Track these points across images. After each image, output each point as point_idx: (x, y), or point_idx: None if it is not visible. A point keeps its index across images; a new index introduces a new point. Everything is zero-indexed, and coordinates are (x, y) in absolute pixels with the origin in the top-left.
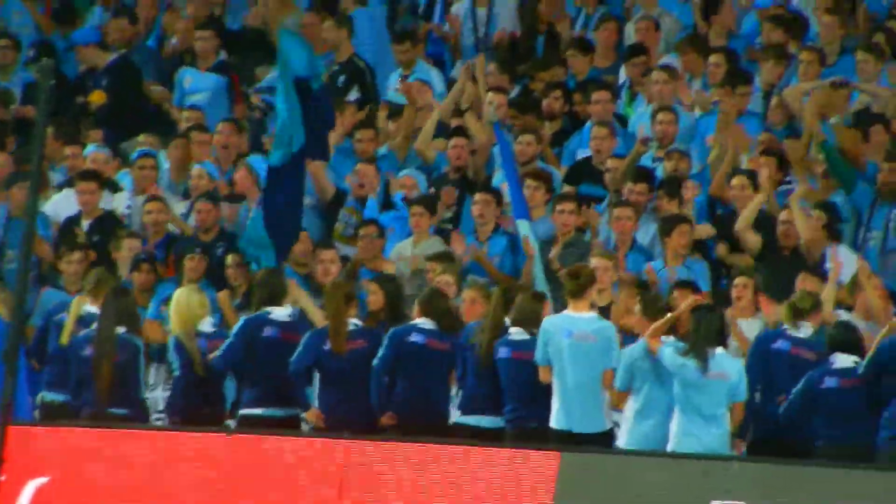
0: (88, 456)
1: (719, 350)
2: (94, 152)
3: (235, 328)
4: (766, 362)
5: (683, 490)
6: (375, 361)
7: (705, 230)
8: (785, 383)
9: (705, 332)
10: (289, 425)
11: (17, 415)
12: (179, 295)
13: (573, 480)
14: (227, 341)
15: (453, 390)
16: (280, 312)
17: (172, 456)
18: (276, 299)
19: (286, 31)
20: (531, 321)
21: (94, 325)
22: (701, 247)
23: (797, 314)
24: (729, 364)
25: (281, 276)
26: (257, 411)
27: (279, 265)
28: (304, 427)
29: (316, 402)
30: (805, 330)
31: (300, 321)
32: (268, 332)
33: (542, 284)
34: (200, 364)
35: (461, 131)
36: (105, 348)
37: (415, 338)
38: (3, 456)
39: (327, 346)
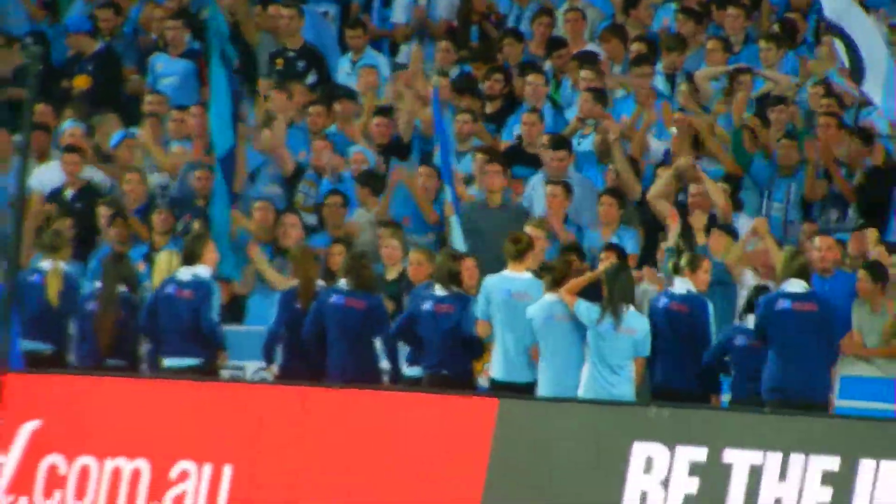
0: (79, 401)
1: (630, 308)
2: (71, 127)
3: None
4: (651, 317)
5: (609, 434)
6: (304, 326)
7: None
8: (663, 334)
9: (619, 291)
10: (202, 372)
11: (10, 364)
12: (161, 256)
13: (514, 428)
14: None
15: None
16: (185, 272)
17: (156, 403)
18: (193, 259)
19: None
20: (450, 278)
21: (97, 284)
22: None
23: (677, 271)
24: (637, 321)
25: (201, 240)
26: (169, 362)
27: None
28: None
29: (279, 358)
30: (686, 286)
31: (202, 281)
32: (168, 289)
33: (459, 243)
34: None
35: (384, 111)
36: (108, 306)
37: (335, 299)
38: (2, 403)
39: (298, 305)
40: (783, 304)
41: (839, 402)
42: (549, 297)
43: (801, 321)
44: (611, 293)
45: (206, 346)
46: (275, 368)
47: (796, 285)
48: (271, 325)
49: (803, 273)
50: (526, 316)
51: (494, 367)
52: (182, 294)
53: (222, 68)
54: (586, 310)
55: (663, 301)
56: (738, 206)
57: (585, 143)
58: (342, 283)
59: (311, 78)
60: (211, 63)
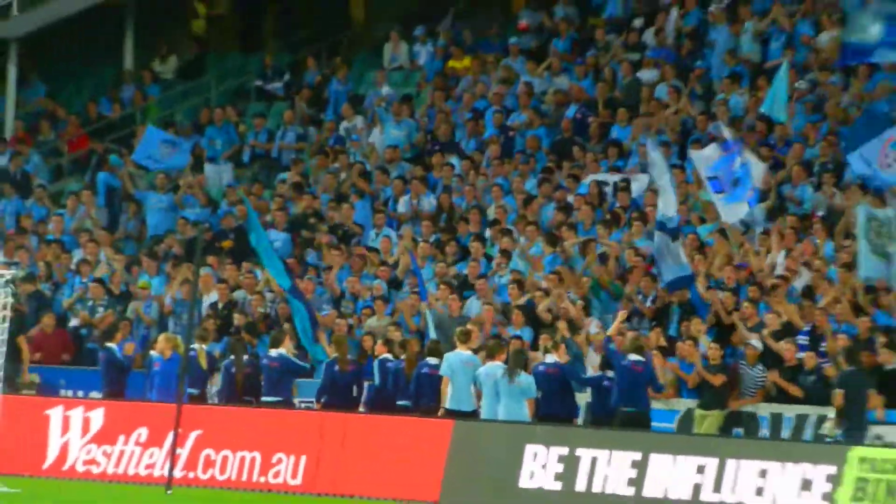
0: (221, 420)
1: (521, 371)
2: (207, 272)
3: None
4: (536, 376)
5: (513, 440)
6: (374, 382)
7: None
8: (542, 386)
9: (514, 362)
10: (284, 404)
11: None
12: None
13: (461, 437)
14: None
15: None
16: (273, 352)
17: (263, 421)
18: (276, 344)
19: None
20: (436, 353)
21: (231, 356)
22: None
23: (546, 351)
24: (525, 378)
25: (281, 335)
26: (265, 398)
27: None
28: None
29: (324, 397)
30: (553, 359)
31: (282, 358)
32: (264, 361)
33: (431, 332)
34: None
35: (386, 264)
36: (238, 368)
37: (389, 364)
38: (180, 421)
39: (336, 368)
40: (626, 363)
41: None
42: (488, 364)
43: (636, 374)
44: (511, 364)
45: (284, 391)
46: (322, 403)
47: (635, 356)
48: (322, 380)
49: (639, 349)
50: (471, 373)
51: (450, 401)
52: (273, 364)
53: (264, 236)
54: (500, 373)
55: (541, 367)
56: (588, 314)
57: (503, 280)
58: (385, 355)
59: (354, 239)
60: (255, 238)
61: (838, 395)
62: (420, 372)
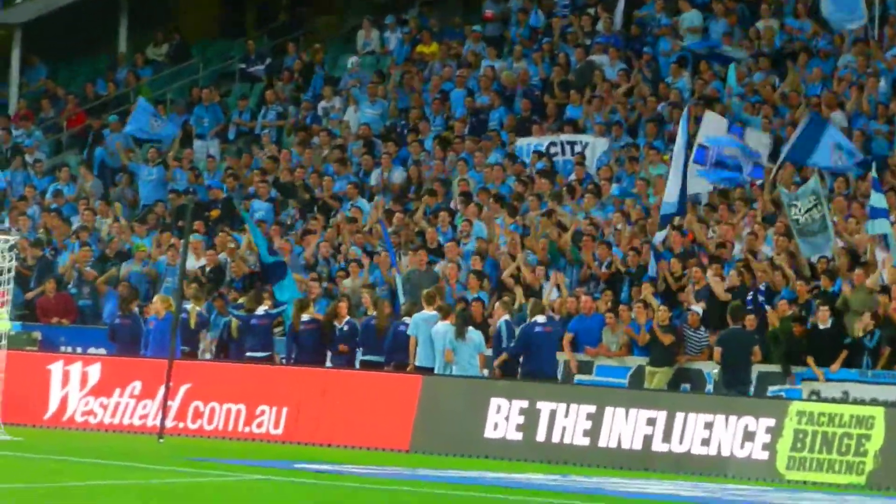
0: (207, 373)
1: (471, 328)
2: (196, 239)
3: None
4: (528, 336)
5: (478, 394)
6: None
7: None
8: (536, 344)
9: (462, 320)
10: (267, 360)
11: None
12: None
13: (429, 391)
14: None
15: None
16: (259, 310)
17: (248, 374)
18: (259, 304)
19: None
20: (409, 314)
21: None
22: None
23: (536, 312)
24: (475, 334)
25: (260, 293)
26: (250, 354)
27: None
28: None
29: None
30: (542, 318)
31: (269, 314)
32: (253, 321)
33: (400, 295)
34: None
35: (361, 232)
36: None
37: (349, 322)
38: (171, 375)
39: (301, 328)
40: (538, 329)
41: (597, 378)
42: (440, 324)
43: (546, 335)
44: (458, 320)
45: (268, 347)
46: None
47: (541, 318)
48: (287, 340)
49: (542, 311)
50: (433, 332)
51: (418, 359)
52: (262, 322)
53: (258, 231)
54: (449, 331)
55: (538, 328)
56: (546, 278)
57: (470, 245)
58: (349, 318)
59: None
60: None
61: (716, 351)
62: (397, 330)
